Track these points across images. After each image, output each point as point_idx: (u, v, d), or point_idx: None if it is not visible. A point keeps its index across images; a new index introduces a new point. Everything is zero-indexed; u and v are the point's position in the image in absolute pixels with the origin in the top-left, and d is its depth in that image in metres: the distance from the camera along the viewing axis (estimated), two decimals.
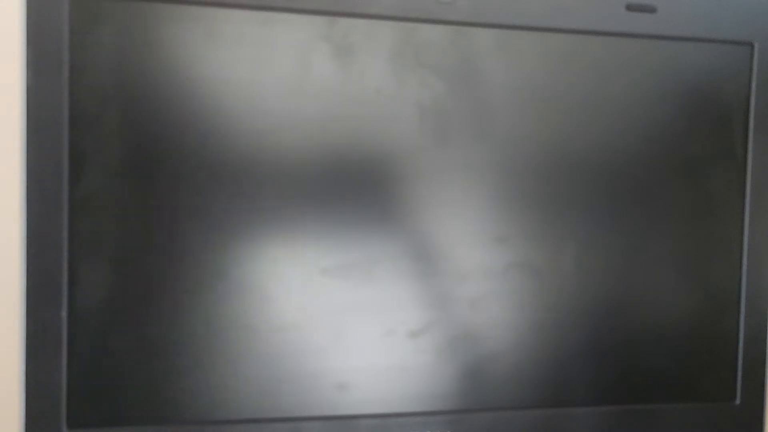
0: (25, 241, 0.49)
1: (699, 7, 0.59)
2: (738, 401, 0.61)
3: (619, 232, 0.58)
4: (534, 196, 0.57)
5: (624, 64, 0.58)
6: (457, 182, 0.56)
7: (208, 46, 0.51)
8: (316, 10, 0.53)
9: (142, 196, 0.51)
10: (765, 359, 0.62)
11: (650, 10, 0.58)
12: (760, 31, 0.60)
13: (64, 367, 0.50)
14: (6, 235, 0.50)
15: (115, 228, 0.51)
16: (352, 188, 0.54)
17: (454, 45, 0.55)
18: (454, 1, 0.55)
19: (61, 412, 0.50)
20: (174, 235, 0.51)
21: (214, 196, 0.52)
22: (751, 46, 0.60)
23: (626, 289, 0.59)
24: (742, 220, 0.60)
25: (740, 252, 0.61)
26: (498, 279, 0.56)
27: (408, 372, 0.56)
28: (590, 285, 0.58)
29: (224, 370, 0.52)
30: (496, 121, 0.56)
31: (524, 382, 0.57)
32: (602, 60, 0.58)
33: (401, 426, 0.55)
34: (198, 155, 0.51)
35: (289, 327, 0.53)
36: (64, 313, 0.50)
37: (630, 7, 0.58)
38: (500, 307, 0.57)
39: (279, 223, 0.53)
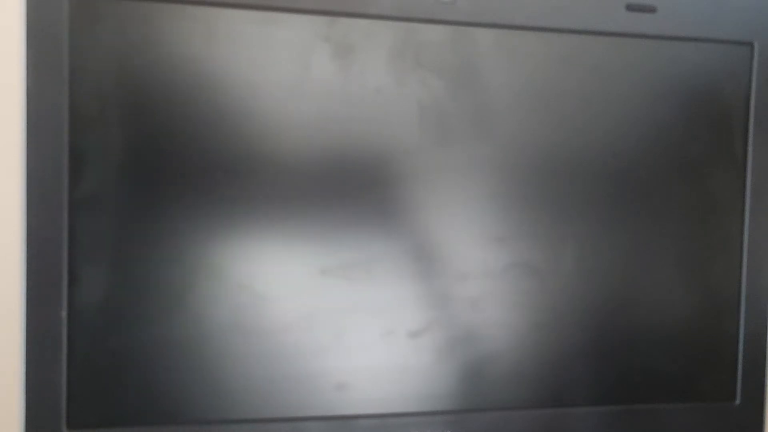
0: (25, 241, 0.49)
1: (699, 7, 0.59)
2: (738, 401, 0.61)
3: (619, 232, 0.58)
4: (534, 196, 0.57)
5: (624, 64, 0.58)
6: (457, 182, 0.56)
7: (208, 46, 0.51)
8: (316, 10, 0.53)
9: (142, 196, 0.51)
10: (765, 359, 0.62)
11: (650, 10, 0.58)
12: (760, 31, 0.60)
13: (64, 367, 0.50)
14: (6, 235, 0.50)
15: (115, 228, 0.51)
16: (352, 188, 0.54)
17: (454, 45, 0.55)
18: (454, 1, 0.55)
19: (61, 412, 0.50)
20: (174, 235, 0.51)
21: (214, 196, 0.52)
22: (751, 46, 0.60)
23: (626, 289, 0.59)
24: (742, 220, 0.60)
25: (740, 252, 0.61)
26: (498, 279, 0.56)
27: (408, 372, 0.56)
28: (590, 285, 0.58)
29: (224, 370, 0.52)
30: (496, 121, 0.56)
31: (524, 382, 0.57)
32: (602, 60, 0.58)
33: (401, 426, 0.55)
34: (197, 155, 0.51)
35: (289, 327, 0.53)
36: (64, 313, 0.50)
37: (630, 7, 0.58)
38: (500, 307, 0.57)
39: (279, 223, 0.53)
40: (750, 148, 0.60)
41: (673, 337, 0.60)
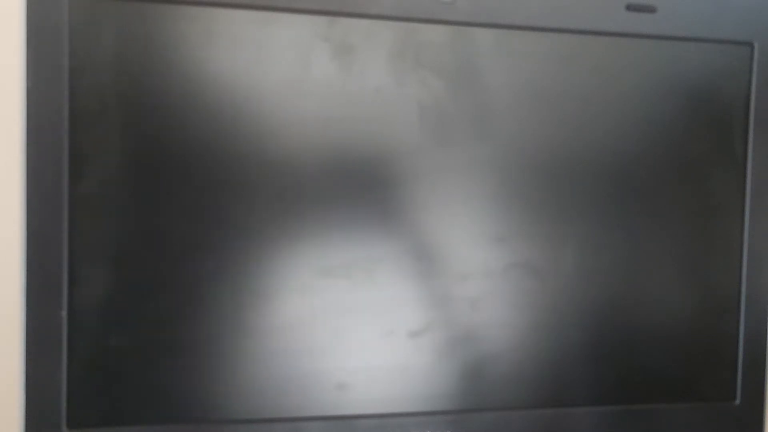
0: (25, 241, 0.49)
1: (699, 7, 0.59)
2: (738, 401, 0.61)
3: (619, 233, 0.58)
4: (534, 196, 0.57)
5: (624, 64, 0.58)
6: (457, 182, 0.56)
7: (208, 46, 0.51)
8: (316, 10, 0.53)
9: (142, 196, 0.51)
10: (765, 359, 0.62)
11: (650, 10, 0.58)
12: (760, 31, 0.60)
13: (64, 367, 0.50)
14: (6, 235, 0.50)
15: (115, 228, 0.51)
16: (352, 188, 0.54)
17: (454, 45, 0.55)
18: (454, 1, 0.55)
19: (61, 412, 0.50)
20: (174, 235, 0.51)
21: (214, 196, 0.52)
22: (751, 46, 0.60)
23: (626, 289, 0.59)
24: (742, 221, 0.60)
25: (740, 252, 0.61)
26: (498, 279, 0.56)
27: (408, 372, 0.56)
28: (590, 285, 0.58)
29: (224, 370, 0.52)
30: (496, 121, 0.56)
31: (524, 382, 0.57)
32: (602, 60, 0.58)
33: (401, 426, 0.55)
34: (197, 155, 0.51)
35: (289, 327, 0.53)
36: (64, 313, 0.50)
37: (630, 7, 0.58)
38: (500, 307, 0.57)
39: (279, 223, 0.53)
40: (750, 148, 0.60)
41: (673, 337, 0.60)
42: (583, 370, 0.58)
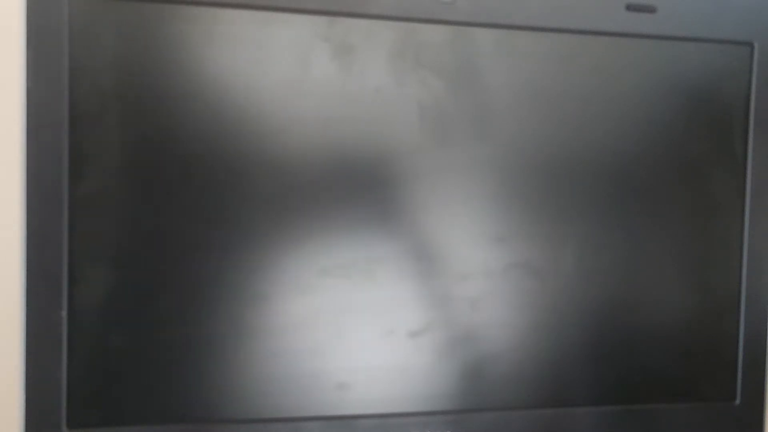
0: (25, 241, 0.49)
1: (699, 7, 0.59)
2: (738, 401, 0.61)
3: (619, 232, 0.58)
4: (534, 196, 0.57)
5: (624, 64, 0.58)
6: (457, 182, 0.56)
7: (208, 46, 0.51)
8: (316, 10, 0.53)
9: (142, 196, 0.51)
10: (765, 359, 0.62)
11: (650, 10, 0.58)
12: (760, 31, 0.60)
13: (64, 367, 0.50)
14: (6, 235, 0.50)
15: (115, 228, 0.51)
16: (352, 188, 0.54)
17: (454, 45, 0.55)
18: (454, 1, 0.55)
19: (61, 412, 0.50)
20: (174, 235, 0.51)
21: (214, 196, 0.52)
22: (751, 46, 0.60)
23: (626, 289, 0.59)
24: (742, 221, 0.60)
25: (740, 252, 0.61)
26: (498, 279, 0.56)
27: (408, 372, 0.56)
28: (590, 285, 0.58)
29: (224, 370, 0.52)
30: (496, 121, 0.56)
31: (524, 382, 0.57)
32: (602, 60, 0.58)
33: (401, 426, 0.55)
34: (197, 155, 0.51)
35: (289, 327, 0.53)
36: (64, 313, 0.50)
37: (630, 7, 0.58)
38: (500, 307, 0.57)
39: (279, 223, 0.53)
40: (750, 148, 0.60)
41: (673, 337, 0.60)
42: (583, 370, 0.58)
